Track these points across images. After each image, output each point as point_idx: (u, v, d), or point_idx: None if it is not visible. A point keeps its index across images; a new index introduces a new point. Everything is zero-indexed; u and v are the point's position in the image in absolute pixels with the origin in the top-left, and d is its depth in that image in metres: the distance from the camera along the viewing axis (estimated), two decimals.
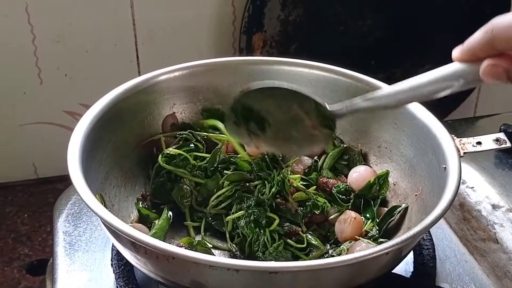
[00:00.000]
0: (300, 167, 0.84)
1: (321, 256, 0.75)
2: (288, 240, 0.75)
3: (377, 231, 0.75)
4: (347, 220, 0.75)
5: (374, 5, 1.30)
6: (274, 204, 0.77)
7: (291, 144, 0.72)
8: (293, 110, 0.70)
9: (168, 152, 0.81)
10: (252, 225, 0.75)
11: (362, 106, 0.67)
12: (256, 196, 0.77)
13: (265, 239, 0.73)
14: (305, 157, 0.85)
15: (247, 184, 0.80)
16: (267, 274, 0.59)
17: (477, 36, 0.54)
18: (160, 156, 0.81)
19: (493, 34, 0.52)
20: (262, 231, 0.74)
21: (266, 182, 0.79)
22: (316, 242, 0.75)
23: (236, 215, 0.76)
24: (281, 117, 0.70)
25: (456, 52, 0.57)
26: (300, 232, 0.76)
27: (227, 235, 0.77)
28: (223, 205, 0.79)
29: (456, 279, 0.77)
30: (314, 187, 0.81)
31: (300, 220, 0.77)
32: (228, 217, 0.77)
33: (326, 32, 1.28)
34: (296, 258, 0.74)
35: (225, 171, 0.81)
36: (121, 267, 0.75)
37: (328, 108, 0.69)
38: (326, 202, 0.79)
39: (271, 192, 0.78)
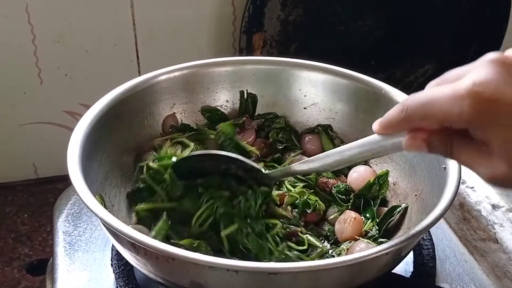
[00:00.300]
0: None
1: (321, 256, 0.74)
2: (289, 243, 0.75)
3: (377, 231, 0.75)
4: (347, 220, 0.75)
5: (374, 5, 1.30)
6: (264, 212, 0.75)
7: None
8: (231, 169, 0.73)
9: (149, 165, 0.76)
10: (254, 236, 0.72)
11: (296, 170, 0.72)
12: (244, 211, 0.73)
13: (269, 246, 0.72)
14: (304, 157, 0.85)
15: (229, 201, 0.74)
16: (266, 275, 0.59)
17: (393, 114, 0.57)
18: (145, 169, 0.76)
19: (408, 113, 0.55)
20: (264, 238, 0.72)
21: (248, 194, 0.75)
22: (317, 242, 0.75)
23: (230, 229, 0.71)
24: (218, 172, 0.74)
25: (375, 125, 0.60)
26: (299, 233, 0.76)
27: (226, 249, 0.72)
28: (207, 223, 0.72)
29: (456, 279, 0.77)
30: (301, 185, 0.81)
31: (297, 221, 0.77)
32: (223, 232, 0.71)
33: (326, 32, 1.28)
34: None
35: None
36: (121, 267, 0.75)
37: (263, 171, 0.73)
38: (317, 200, 0.78)
39: (258, 204, 0.74)
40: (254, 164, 0.73)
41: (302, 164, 0.72)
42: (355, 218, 0.75)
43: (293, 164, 0.73)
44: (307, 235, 0.76)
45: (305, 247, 0.74)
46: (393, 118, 0.57)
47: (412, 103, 0.55)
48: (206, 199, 0.73)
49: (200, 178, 0.74)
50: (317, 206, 0.78)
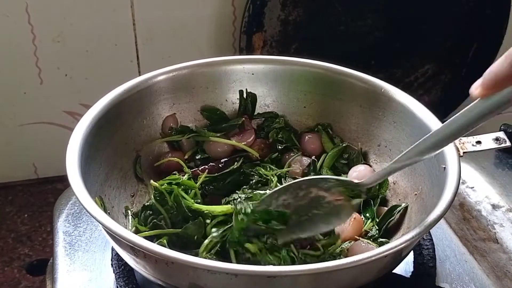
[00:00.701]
0: (298, 167, 0.84)
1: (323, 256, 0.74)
2: (305, 251, 0.72)
3: (377, 231, 0.75)
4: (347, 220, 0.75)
5: (374, 5, 1.30)
6: None
7: (317, 223, 0.70)
8: (311, 192, 0.69)
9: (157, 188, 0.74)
10: (269, 254, 0.70)
11: (395, 167, 0.67)
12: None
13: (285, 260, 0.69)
14: (304, 157, 0.85)
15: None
16: (265, 278, 0.59)
17: (501, 68, 0.52)
18: (153, 194, 0.75)
19: None
20: (280, 254, 0.70)
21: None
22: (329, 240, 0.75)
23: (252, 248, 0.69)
24: (300, 203, 0.70)
25: (477, 89, 0.54)
26: (315, 241, 0.74)
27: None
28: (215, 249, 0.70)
29: (456, 279, 0.77)
30: None
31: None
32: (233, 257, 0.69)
33: (326, 32, 1.28)
34: None
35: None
36: (121, 267, 0.75)
37: (355, 181, 0.69)
38: None
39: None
40: (342, 178, 0.70)
41: (401, 161, 0.65)
42: (355, 218, 0.75)
43: (390, 164, 0.67)
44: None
45: (320, 252, 0.73)
46: (501, 73, 0.52)
47: None
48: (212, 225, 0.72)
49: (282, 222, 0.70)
50: None
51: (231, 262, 0.68)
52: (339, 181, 0.70)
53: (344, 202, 0.70)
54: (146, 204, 0.76)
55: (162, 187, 0.75)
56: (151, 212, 0.75)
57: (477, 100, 0.56)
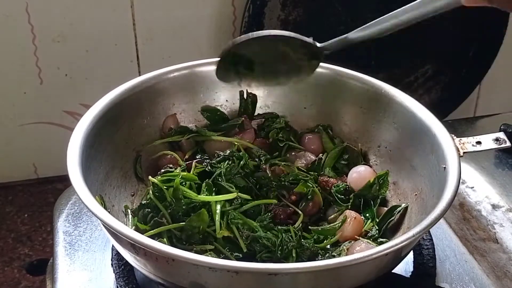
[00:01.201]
0: (303, 162, 0.84)
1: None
2: (304, 233, 0.75)
3: (377, 231, 0.75)
4: (347, 220, 0.75)
5: (374, 5, 1.30)
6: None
7: (279, 76, 0.82)
8: (279, 49, 0.79)
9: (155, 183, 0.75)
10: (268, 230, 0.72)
11: (352, 37, 0.75)
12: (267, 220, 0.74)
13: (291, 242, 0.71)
14: (309, 154, 0.85)
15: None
16: (266, 275, 0.59)
17: None
18: (151, 189, 0.75)
19: None
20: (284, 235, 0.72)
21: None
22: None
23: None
24: (268, 56, 0.79)
25: None
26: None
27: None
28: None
29: (456, 279, 0.77)
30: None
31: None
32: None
33: (326, 32, 1.28)
34: None
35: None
36: (121, 267, 0.75)
37: (317, 45, 0.78)
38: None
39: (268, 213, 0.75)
40: (307, 39, 0.78)
41: (358, 32, 0.74)
42: (355, 218, 0.75)
43: (348, 33, 0.75)
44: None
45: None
46: None
47: None
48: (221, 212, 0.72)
49: (249, 68, 0.80)
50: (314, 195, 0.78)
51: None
52: (303, 41, 0.79)
53: (304, 62, 0.81)
54: (143, 203, 0.75)
55: (161, 183, 0.74)
56: (149, 210, 0.75)
57: None
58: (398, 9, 0.67)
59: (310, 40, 0.78)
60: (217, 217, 0.71)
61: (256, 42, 0.78)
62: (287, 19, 1.25)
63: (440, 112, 0.79)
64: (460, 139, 0.76)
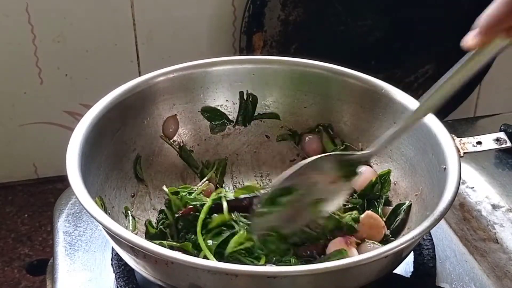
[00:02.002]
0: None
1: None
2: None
3: (388, 231, 0.75)
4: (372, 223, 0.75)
5: (374, 5, 1.30)
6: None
7: (312, 209, 0.71)
8: (308, 178, 0.69)
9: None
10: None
11: (391, 134, 0.68)
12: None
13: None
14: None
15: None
16: (265, 278, 0.59)
17: (497, 12, 0.52)
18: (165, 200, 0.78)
19: None
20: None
21: None
22: None
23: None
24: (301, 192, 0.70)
25: (472, 40, 0.55)
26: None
27: None
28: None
29: (456, 279, 0.77)
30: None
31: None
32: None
33: (326, 32, 1.28)
34: None
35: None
36: (121, 267, 0.75)
37: (358, 153, 0.70)
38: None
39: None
40: (345, 152, 0.73)
41: (394, 128, 0.67)
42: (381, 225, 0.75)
43: (385, 134, 0.68)
44: None
45: None
46: (498, 16, 0.52)
47: None
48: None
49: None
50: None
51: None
52: (342, 155, 0.70)
53: (338, 184, 0.70)
54: (162, 208, 0.79)
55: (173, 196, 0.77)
56: (164, 216, 0.77)
57: (471, 53, 0.57)
58: (449, 74, 0.61)
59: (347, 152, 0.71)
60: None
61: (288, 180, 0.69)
62: (287, 19, 1.25)
63: (440, 112, 0.79)
64: (461, 139, 0.76)
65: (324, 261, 0.68)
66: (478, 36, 0.55)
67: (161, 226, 0.76)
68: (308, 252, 0.72)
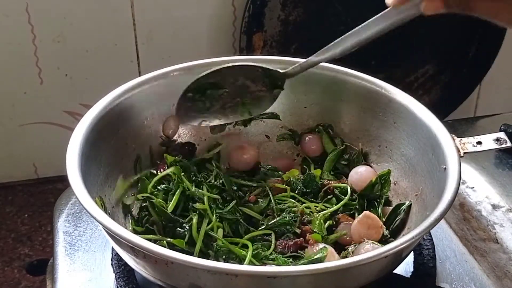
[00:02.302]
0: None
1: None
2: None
3: (387, 231, 0.75)
4: (370, 223, 0.74)
5: (374, 5, 1.30)
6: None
7: (239, 110, 0.82)
8: (239, 81, 0.79)
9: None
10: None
11: (315, 60, 0.74)
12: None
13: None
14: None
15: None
16: (265, 278, 0.59)
17: None
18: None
19: None
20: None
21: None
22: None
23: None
24: (228, 90, 0.79)
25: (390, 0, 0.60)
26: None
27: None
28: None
29: (456, 279, 0.77)
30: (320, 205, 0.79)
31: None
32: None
33: (326, 32, 1.28)
34: None
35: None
36: (121, 267, 0.75)
37: (280, 71, 0.77)
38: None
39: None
40: (269, 66, 0.78)
41: (320, 55, 0.73)
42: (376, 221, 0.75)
43: (310, 57, 0.75)
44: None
45: None
46: None
47: None
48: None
49: (211, 97, 0.79)
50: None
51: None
52: (266, 69, 0.78)
53: (266, 93, 0.80)
54: (143, 205, 0.77)
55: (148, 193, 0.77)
56: (147, 213, 0.76)
57: (389, 9, 0.64)
58: (360, 26, 0.67)
59: (272, 67, 0.78)
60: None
61: (215, 76, 0.78)
62: (287, 19, 1.25)
63: (440, 112, 0.79)
64: (461, 139, 0.76)
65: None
66: None
67: (147, 224, 0.75)
68: (285, 248, 0.72)
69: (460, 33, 1.39)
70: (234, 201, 0.76)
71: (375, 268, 0.64)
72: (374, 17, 0.65)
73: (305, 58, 0.87)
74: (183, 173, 0.77)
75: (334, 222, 0.77)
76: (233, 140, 0.88)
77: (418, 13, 0.60)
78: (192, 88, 0.79)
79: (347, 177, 0.83)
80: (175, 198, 0.75)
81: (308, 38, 1.27)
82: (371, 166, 0.83)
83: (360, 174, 0.81)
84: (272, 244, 0.72)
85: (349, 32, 0.68)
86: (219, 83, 0.79)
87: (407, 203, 0.76)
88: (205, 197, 0.75)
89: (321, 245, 0.71)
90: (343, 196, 0.79)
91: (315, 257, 0.68)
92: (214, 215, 0.73)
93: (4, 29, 1.17)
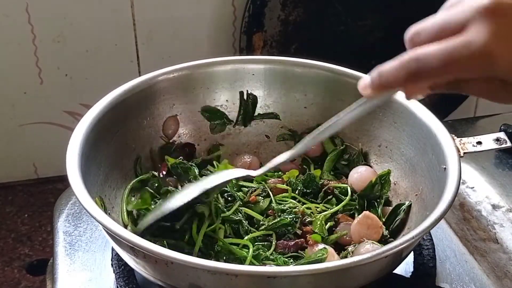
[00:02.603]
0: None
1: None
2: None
3: (387, 231, 0.75)
4: (370, 224, 0.74)
5: (374, 5, 1.30)
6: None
7: None
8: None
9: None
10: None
11: (278, 162, 0.69)
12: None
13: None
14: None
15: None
16: (265, 278, 0.59)
17: (394, 73, 0.53)
18: None
19: (420, 70, 0.51)
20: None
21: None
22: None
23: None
24: None
25: (365, 89, 0.56)
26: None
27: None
28: None
29: (456, 279, 0.77)
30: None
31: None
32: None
33: (326, 32, 1.28)
34: None
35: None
36: (121, 267, 0.75)
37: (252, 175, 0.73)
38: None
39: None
40: (241, 175, 0.74)
41: (287, 153, 0.68)
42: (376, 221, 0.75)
43: (274, 159, 0.69)
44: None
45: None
46: (394, 78, 0.53)
47: (430, 60, 0.50)
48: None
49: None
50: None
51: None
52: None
53: None
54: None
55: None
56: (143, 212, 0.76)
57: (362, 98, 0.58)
58: (333, 118, 0.62)
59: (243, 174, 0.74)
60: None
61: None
62: (287, 19, 1.25)
63: (440, 112, 0.79)
64: (461, 139, 0.76)
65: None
66: (369, 89, 0.56)
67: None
68: (286, 249, 0.72)
69: None
70: (238, 202, 0.76)
71: (375, 268, 0.64)
72: (346, 109, 0.61)
73: (305, 58, 0.87)
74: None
75: (334, 223, 0.77)
76: (233, 140, 0.89)
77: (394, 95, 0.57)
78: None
79: (347, 177, 0.83)
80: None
81: (308, 38, 1.27)
82: (371, 166, 0.83)
83: (360, 174, 0.81)
84: (273, 245, 0.72)
85: (323, 125, 0.63)
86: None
87: (407, 203, 0.76)
88: (212, 205, 0.74)
89: (321, 246, 0.71)
90: (343, 197, 0.79)
91: (315, 258, 0.68)
92: (218, 218, 0.73)
93: (4, 29, 1.18)
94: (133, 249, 0.62)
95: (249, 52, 1.24)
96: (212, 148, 0.87)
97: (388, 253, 0.60)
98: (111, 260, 0.77)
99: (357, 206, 0.78)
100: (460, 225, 0.88)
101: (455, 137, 0.75)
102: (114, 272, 0.75)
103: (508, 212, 0.89)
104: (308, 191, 0.81)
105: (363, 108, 0.59)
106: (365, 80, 0.56)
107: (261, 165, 0.85)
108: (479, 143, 0.77)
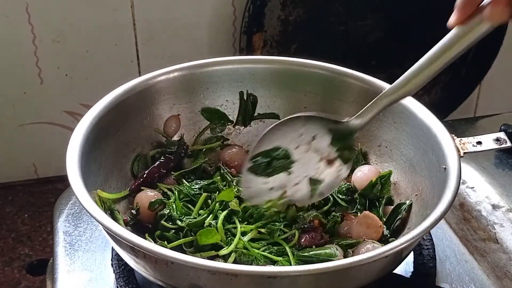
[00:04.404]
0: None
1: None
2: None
3: (388, 231, 0.75)
4: (369, 223, 0.75)
5: (374, 5, 1.30)
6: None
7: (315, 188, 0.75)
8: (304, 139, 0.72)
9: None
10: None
11: (385, 103, 0.69)
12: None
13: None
14: None
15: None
16: (265, 278, 0.59)
17: None
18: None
19: None
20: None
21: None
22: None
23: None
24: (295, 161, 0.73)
25: (452, 19, 0.57)
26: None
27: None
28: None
29: (456, 279, 0.77)
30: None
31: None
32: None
33: (326, 32, 1.28)
34: None
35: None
36: (121, 267, 0.75)
37: (343, 121, 0.71)
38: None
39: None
40: (331, 116, 0.73)
41: (390, 95, 0.68)
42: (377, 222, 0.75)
43: (378, 97, 0.68)
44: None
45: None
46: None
47: None
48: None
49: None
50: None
51: None
52: (331, 123, 0.71)
53: (335, 167, 0.74)
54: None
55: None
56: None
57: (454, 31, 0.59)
58: (426, 57, 0.61)
59: (335, 117, 0.71)
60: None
61: (276, 137, 0.73)
62: (287, 19, 1.25)
63: (440, 112, 0.79)
64: (461, 139, 0.76)
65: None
66: (455, 14, 0.57)
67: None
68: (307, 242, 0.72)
69: None
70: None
71: (375, 268, 0.64)
72: (438, 46, 0.60)
73: (305, 58, 0.87)
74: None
75: (339, 219, 0.76)
76: (233, 140, 0.89)
77: (488, 28, 0.56)
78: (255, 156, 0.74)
79: (347, 177, 0.83)
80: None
81: (308, 38, 1.27)
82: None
83: (364, 173, 0.81)
84: (295, 239, 0.72)
85: (416, 66, 0.63)
86: (286, 154, 0.73)
87: (407, 202, 0.76)
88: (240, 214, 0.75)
89: (335, 247, 0.71)
90: (340, 196, 0.79)
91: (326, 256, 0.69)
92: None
93: (4, 29, 1.17)
94: (133, 249, 0.62)
95: (249, 52, 1.24)
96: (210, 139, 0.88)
97: (388, 253, 0.60)
98: (111, 260, 0.77)
99: (358, 206, 0.78)
100: (460, 225, 0.88)
101: (455, 137, 0.75)
102: (114, 272, 0.75)
103: (508, 212, 0.89)
104: None
105: (456, 44, 0.59)
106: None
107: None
108: (479, 143, 0.77)
